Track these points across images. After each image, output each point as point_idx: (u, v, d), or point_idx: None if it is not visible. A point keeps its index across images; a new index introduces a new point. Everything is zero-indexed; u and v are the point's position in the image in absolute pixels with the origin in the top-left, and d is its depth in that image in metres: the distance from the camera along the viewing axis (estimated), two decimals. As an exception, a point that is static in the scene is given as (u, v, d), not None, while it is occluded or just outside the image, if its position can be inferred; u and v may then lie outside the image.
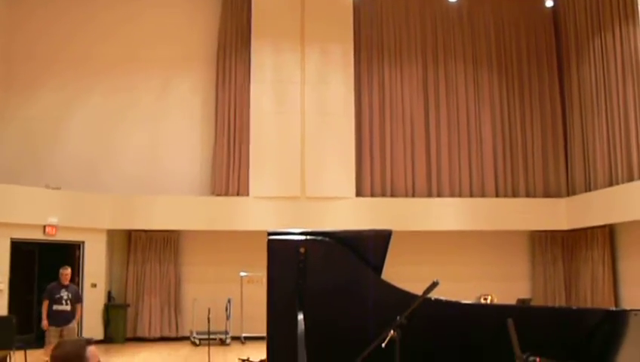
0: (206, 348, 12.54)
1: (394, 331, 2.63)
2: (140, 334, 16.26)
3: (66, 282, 10.85)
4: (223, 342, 15.32)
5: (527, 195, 17.70)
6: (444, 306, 3.19)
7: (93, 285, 15.81)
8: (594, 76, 16.48)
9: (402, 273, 16.17)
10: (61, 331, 10.50)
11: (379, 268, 3.01)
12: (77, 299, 10.92)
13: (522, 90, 18.13)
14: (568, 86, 17.79)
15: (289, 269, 2.90)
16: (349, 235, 2.97)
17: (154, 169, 16.97)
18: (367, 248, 2.95)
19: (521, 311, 3.50)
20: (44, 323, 10.46)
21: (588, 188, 16.71)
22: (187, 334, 16.21)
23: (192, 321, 15.84)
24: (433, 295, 3.14)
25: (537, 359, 3.00)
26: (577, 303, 17.20)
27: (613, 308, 3.83)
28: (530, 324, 3.32)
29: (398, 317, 2.63)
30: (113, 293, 16.56)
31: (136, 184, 16.63)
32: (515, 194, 17.72)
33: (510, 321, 3.09)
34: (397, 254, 16.97)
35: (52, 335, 10.49)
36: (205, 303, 13.59)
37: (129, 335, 16.21)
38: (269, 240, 2.88)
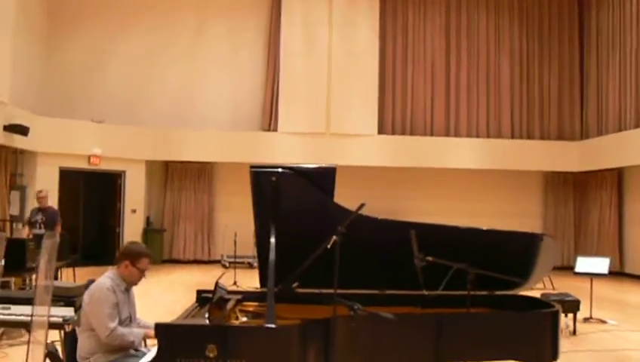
0: (235, 270, 13.90)
1: (336, 237, 3.73)
2: (175, 256, 17.77)
3: (44, 205, 10.74)
4: (250, 266, 16.60)
5: (542, 138, 18.55)
6: (372, 220, 4.32)
7: (133, 211, 17.19)
8: (611, 23, 17.04)
9: (422, 206, 17.37)
10: None
11: (330, 193, 4.16)
12: (53, 222, 10.56)
13: (542, 35, 18.78)
14: (587, 32, 18.36)
15: (265, 193, 4.05)
16: (306, 169, 4.09)
17: (190, 104, 18.07)
18: (320, 179, 4.09)
19: (431, 227, 4.53)
20: None
21: (600, 133, 17.45)
22: (218, 258, 17.62)
23: (223, 246, 17.11)
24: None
25: (431, 258, 4.11)
26: (585, 241, 18.16)
27: (528, 231, 4.75)
28: (439, 238, 4.46)
29: (339, 227, 3.73)
30: (151, 219, 17.96)
31: (174, 118, 17.78)
32: (530, 137, 18.58)
33: (413, 232, 4.20)
34: (416, 188, 17.93)
35: None
36: (235, 230, 14.56)
37: (165, 257, 17.69)
38: (251, 172, 4.04)
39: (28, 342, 4.64)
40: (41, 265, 4.72)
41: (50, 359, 4.37)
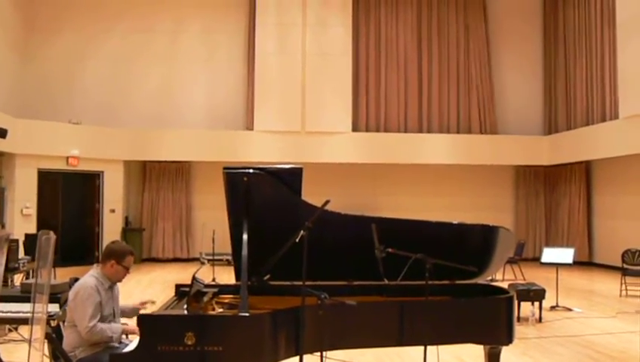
0: (214, 267, 14.13)
1: (304, 231, 4.03)
2: (154, 255, 18.00)
3: None
4: (229, 263, 16.80)
5: (512, 132, 18.98)
6: (337, 216, 4.64)
7: (112, 211, 17.34)
8: (577, 21, 17.50)
9: (397, 201, 17.72)
10: None
11: (297, 191, 4.46)
12: None
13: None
14: (554, 29, 18.77)
15: (238, 192, 4.35)
16: (275, 170, 4.40)
17: (168, 105, 18.28)
18: (288, 178, 4.40)
19: (393, 221, 4.85)
20: None
21: (569, 127, 17.89)
22: (197, 255, 17.83)
23: (202, 244, 17.30)
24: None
25: (390, 249, 4.43)
26: (556, 233, 18.63)
27: (485, 224, 5.03)
28: (401, 232, 4.79)
29: (306, 222, 4.03)
30: (130, 218, 18.16)
31: (151, 119, 18.00)
32: (500, 132, 19.01)
33: (374, 225, 4.53)
34: (391, 184, 18.25)
35: None
36: (213, 228, 14.61)
37: (144, 256, 17.89)
38: (225, 173, 4.34)
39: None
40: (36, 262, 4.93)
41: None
